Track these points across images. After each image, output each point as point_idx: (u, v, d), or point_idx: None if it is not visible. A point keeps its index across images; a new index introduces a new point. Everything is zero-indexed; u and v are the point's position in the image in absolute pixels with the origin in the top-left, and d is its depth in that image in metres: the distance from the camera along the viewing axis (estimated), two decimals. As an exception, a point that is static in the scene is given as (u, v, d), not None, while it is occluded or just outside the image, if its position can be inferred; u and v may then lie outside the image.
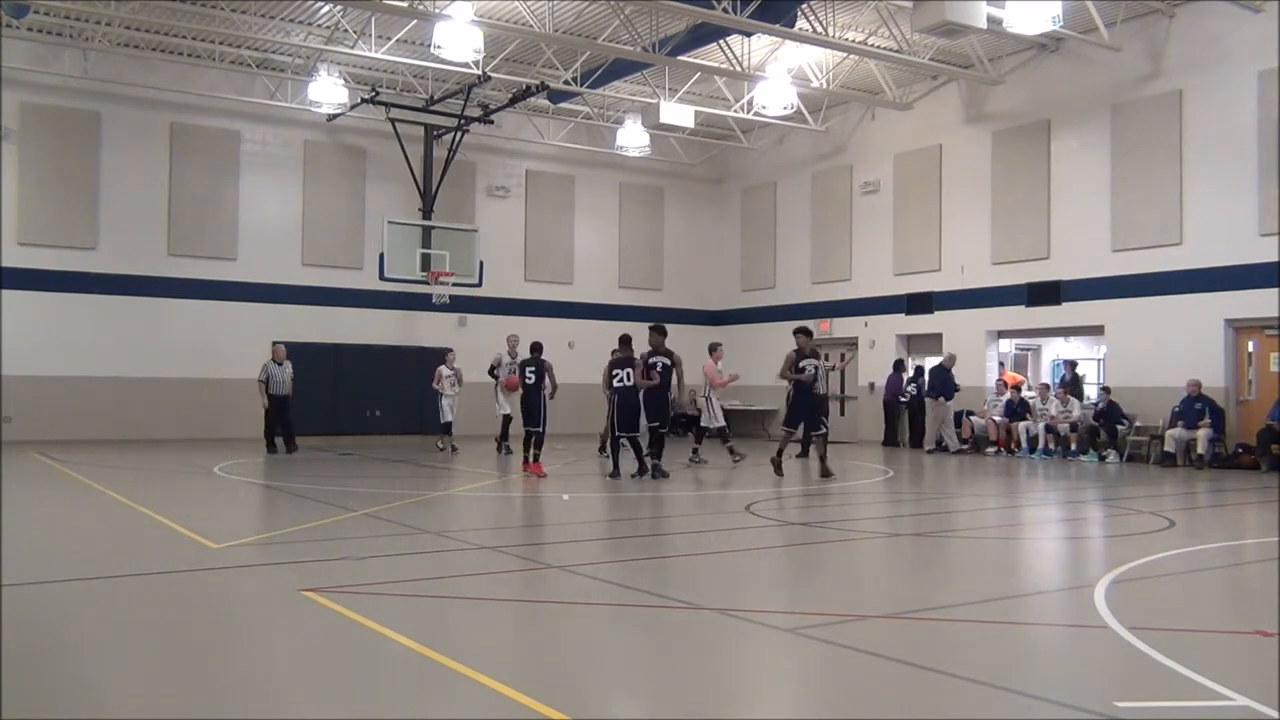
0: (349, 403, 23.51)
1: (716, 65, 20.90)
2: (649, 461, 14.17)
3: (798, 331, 14.75)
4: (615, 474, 14.14)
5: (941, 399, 20.72)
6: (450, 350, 20.01)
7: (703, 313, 28.18)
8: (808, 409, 14.36)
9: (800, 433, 14.75)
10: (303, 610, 6.02)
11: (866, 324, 24.33)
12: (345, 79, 22.41)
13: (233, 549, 8.05)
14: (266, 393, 18.25)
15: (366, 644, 5.30)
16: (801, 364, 14.26)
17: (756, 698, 4.72)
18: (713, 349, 17.98)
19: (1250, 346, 17.79)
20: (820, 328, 25.23)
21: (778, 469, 14.38)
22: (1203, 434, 17.22)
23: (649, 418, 14.57)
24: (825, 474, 14.25)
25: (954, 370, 20.88)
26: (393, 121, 22.44)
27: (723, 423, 17.56)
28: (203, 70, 22.01)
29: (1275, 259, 16.94)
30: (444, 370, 19.38)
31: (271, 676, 4.88)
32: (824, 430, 14.60)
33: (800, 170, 26.44)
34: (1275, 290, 16.91)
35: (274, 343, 18.94)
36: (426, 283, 22.15)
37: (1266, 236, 17.14)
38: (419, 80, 23.16)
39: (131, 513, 10.38)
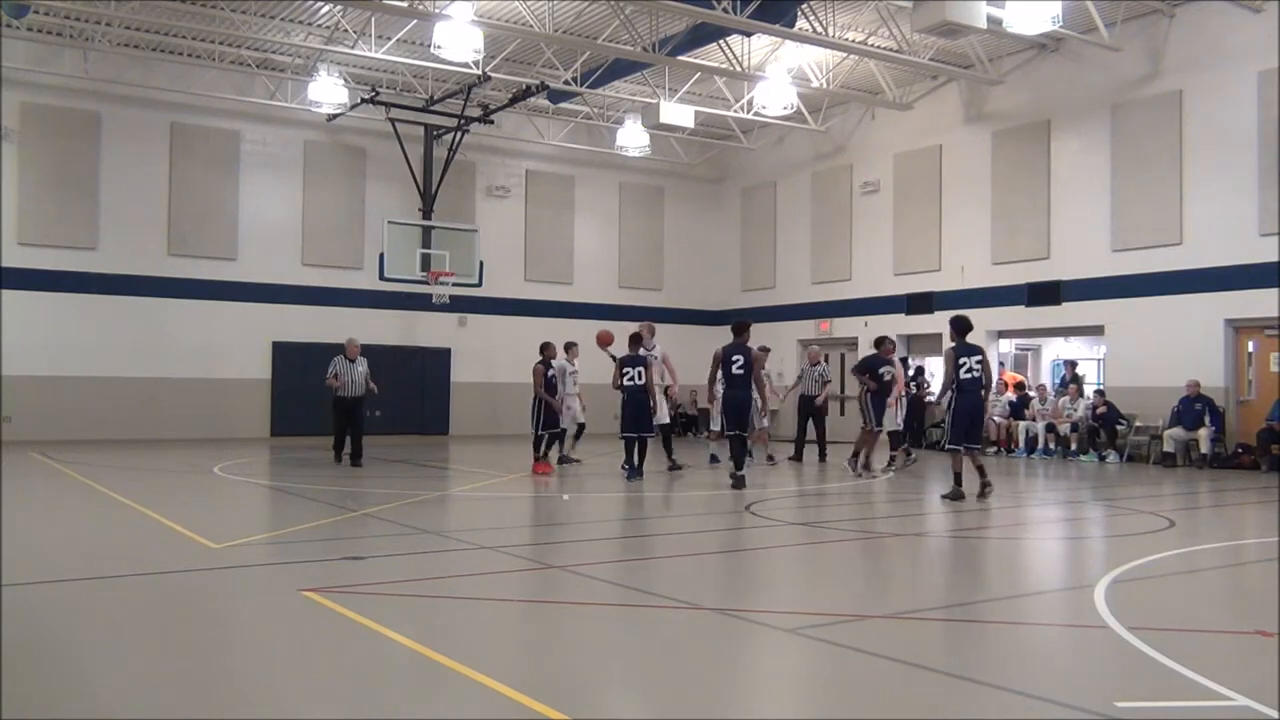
0: (349, 403, 23.49)
1: (716, 65, 20.90)
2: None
3: (955, 320, 12.03)
4: (636, 473, 13.78)
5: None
6: (574, 344, 16.85)
7: (703, 313, 28.18)
8: (975, 418, 11.91)
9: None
10: (302, 610, 6.01)
11: (866, 324, 24.30)
12: (345, 79, 22.41)
13: (233, 549, 8.05)
14: (335, 394, 15.87)
15: (366, 644, 5.30)
16: (962, 360, 11.65)
17: (757, 698, 4.72)
18: (879, 344, 16.28)
19: (1250, 346, 17.79)
20: (820, 328, 25.29)
21: (986, 491, 11.73)
22: (1203, 434, 17.22)
23: (730, 423, 13.20)
24: (985, 489, 11.78)
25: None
26: (393, 121, 22.47)
27: (896, 426, 16.08)
28: (203, 70, 22.01)
29: (1275, 259, 16.95)
30: (568, 366, 16.56)
31: (271, 676, 4.88)
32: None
33: (800, 170, 26.45)
34: (1275, 290, 16.92)
35: (348, 339, 16.38)
36: (426, 283, 22.17)
37: (1266, 236, 17.15)
38: (419, 80, 23.16)
39: (131, 512, 10.37)
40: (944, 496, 11.79)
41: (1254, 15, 17.33)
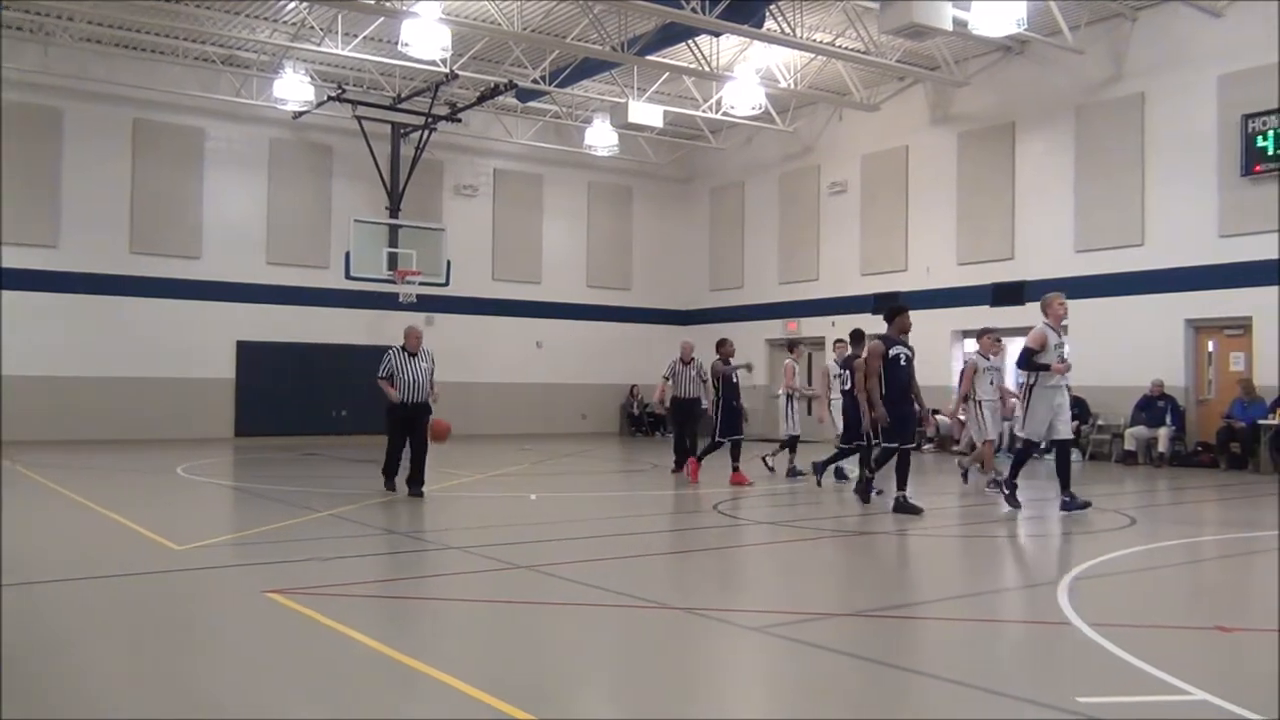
0: (315, 403, 23.36)
1: (685, 65, 20.92)
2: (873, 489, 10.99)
3: None
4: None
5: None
6: (798, 343, 14.70)
7: (671, 312, 28.23)
8: None
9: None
10: (267, 612, 5.96)
11: (834, 323, 24.40)
12: (311, 76, 22.23)
13: (195, 550, 7.97)
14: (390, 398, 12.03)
15: (332, 646, 5.26)
16: None
17: (724, 697, 4.73)
18: (981, 335, 13.89)
19: (1210, 346, 18.06)
20: (788, 327, 25.38)
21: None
22: (1164, 433, 17.46)
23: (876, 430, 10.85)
24: None
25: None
26: (359, 119, 22.31)
27: (990, 435, 13.39)
28: (166, 66, 21.77)
29: (1235, 260, 17.22)
30: (794, 365, 14.45)
31: (235, 679, 4.83)
32: None
33: (768, 170, 26.54)
34: (1235, 291, 17.20)
35: (408, 327, 12.75)
36: (393, 282, 22.04)
37: (1226, 238, 17.41)
38: (386, 78, 23.02)
39: (91, 514, 10.24)
40: None
41: (1215, 20, 17.58)
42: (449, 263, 22.71)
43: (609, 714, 4.53)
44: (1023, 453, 10.89)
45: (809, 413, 15.66)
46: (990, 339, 13.49)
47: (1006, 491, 10.84)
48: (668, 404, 14.68)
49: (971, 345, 22.82)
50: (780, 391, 14.59)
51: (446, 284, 22.79)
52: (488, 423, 25.10)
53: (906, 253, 22.93)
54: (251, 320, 22.93)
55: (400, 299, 22.40)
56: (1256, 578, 8.13)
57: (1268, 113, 16.75)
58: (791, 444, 14.65)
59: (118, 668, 4.96)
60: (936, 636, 5.82)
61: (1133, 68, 18.89)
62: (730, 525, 10.31)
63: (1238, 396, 16.96)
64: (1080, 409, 18.59)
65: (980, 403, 12.97)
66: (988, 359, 13.22)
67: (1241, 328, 17.52)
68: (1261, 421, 16.30)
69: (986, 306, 21.06)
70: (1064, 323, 10.56)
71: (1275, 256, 16.74)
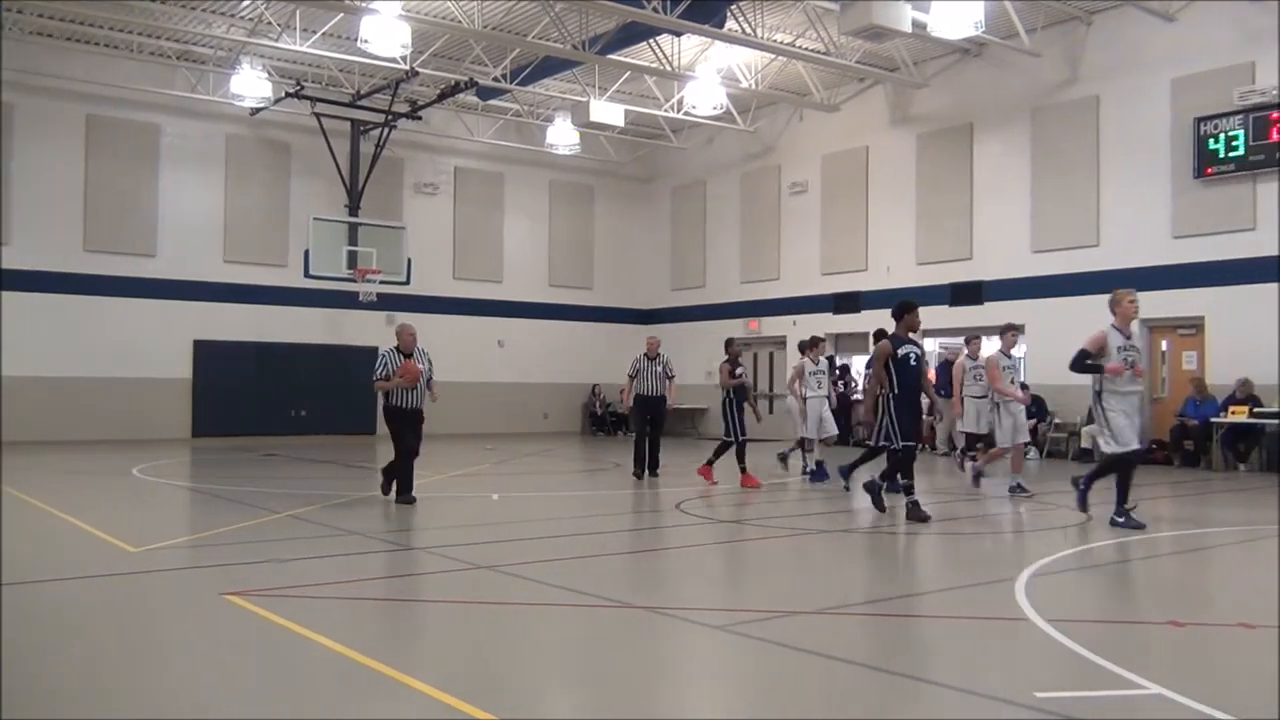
0: (273, 402, 23.13)
1: (646, 64, 20.93)
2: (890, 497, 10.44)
3: None
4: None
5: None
6: (820, 339, 14.63)
7: (633, 311, 28.24)
8: None
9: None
10: (225, 614, 5.89)
11: (795, 323, 24.55)
12: (269, 72, 22.01)
13: (151, 552, 7.86)
14: (388, 403, 11.31)
15: (291, 648, 5.21)
16: None
17: (687, 696, 4.73)
18: (1004, 331, 13.05)
19: (1164, 345, 18.35)
20: (749, 327, 25.47)
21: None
22: (1119, 430, 17.69)
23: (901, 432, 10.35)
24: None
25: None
26: (318, 116, 22.09)
27: (1024, 438, 12.92)
28: (120, 61, 21.44)
29: (1188, 261, 17.50)
30: (809, 365, 14.19)
31: (192, 682, 4.77)
32: None
33: (729, 170, 26.62)
34: (1187, 291, 17.48)
35: (400, 325, 11.81)
36: (353, 280, 21.86)
37: (1179, 239, 17.70)
38: (345, 75, 22.82)
39: (44, 516, 10.06)
40: None
41: (1167, 24, 17.86)
42: (409, 261, 22.57)
43: (571, 714, 4.53)
44: (1117, 466, 9.88)
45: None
46: (1012, 335, 13.00)
47: (1121, 520, 9.74)
48: (630, 403, 14.58)
49: (931, 344, 23.11)
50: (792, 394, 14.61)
51: (407, 283, 22.65)
52: (449, 422, 24.91)
53: (866, 252, 23.10)
54: (208, 319, 22.64)
55: (360, 298, 22.22)
56: (1209, 573, 8.29)
57: (1220, 115, 17.06)
58: (802, 445, 14.51)
59: (69, 673, 4.87)
60: (897, 633, 5.87)
61: (1088, 71, 19.15)
62: (692, 524, 10.32)
63: (1191, 395, 17.25)
64: (1038, 408, 18.82)
65: (998, 405, 12.67)
66: (1008, 357, 12.81)
67: (1194, 327, 17.84)
68: (1214, 419, 16.60)
69: (946, 306, 21.27)
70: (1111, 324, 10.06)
71: (1227, 258, 17.07)
